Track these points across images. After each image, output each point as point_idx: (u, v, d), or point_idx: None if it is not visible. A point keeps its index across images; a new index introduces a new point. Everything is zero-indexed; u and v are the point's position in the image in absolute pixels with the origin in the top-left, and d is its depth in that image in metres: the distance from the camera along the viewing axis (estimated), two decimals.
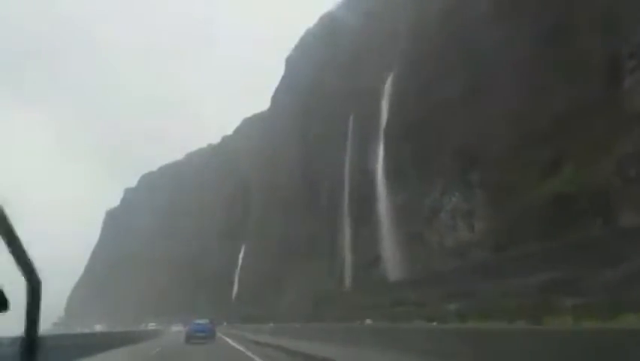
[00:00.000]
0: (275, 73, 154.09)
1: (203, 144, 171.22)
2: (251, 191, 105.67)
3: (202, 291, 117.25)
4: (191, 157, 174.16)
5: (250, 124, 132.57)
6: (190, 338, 31.52)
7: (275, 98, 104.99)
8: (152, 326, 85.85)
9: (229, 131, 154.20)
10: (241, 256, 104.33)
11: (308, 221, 69.60)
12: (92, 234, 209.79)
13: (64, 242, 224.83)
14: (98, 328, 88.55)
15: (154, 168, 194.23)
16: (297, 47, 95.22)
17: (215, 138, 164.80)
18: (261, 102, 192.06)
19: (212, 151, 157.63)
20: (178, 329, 75.48)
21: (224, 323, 72.36)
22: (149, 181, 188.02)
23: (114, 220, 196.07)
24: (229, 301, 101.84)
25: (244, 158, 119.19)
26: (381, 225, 42.40)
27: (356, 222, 51.91)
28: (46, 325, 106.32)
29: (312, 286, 65.18)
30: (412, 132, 37.93)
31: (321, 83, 72.92)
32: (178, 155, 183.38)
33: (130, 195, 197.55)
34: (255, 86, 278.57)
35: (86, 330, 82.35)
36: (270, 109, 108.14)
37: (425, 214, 35.75)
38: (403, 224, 38.42)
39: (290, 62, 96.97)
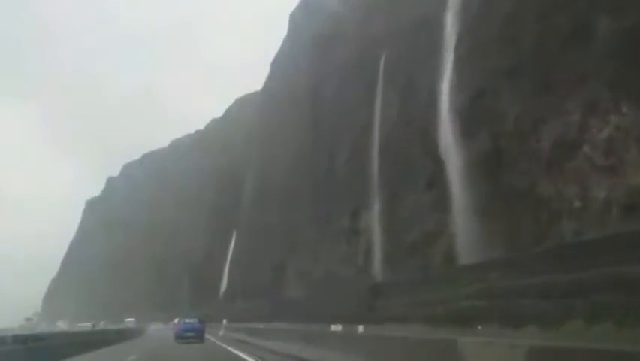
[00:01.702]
0: (271, 48, 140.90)
1: (191, 131, 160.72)
2: (243, 174, 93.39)
3: (187, 286, 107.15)
4: (176, 144, 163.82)
5: (243, 103, 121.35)
6: (178, 337, 31.82)
7: (275, 64, 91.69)
8: (129, 321, 75.38)
9: (218, 115, 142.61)
10: (232, 246, 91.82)
11: (316, 200, 57.28)
12: (72, 225, 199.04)
13: (43, 233, 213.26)
14: (60, 325, 78.72)
15: (138, 156, 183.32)
16: (303, 2, 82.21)
17: (203, 124, 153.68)
18: (254, 83, 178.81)
19: (199, 136, 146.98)
20: (157, 328, 65.70)
21: (224, 322, 54.79)
22: (132, 170, 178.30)
23: (95, 210, 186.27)
24: (217, 298, 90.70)
25: (236, 137, 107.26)
26: (449, 185, 29.38)
27: (391, 192, 39.18)
28: (19, 320, 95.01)
29: (318, 278, 53.06)
30: (509, 34, 25.34)
31: (337, 31, 60.21)
32: (164, 142, 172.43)
33: (112, 185, 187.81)
34: (249, 65, 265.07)
35: (50, 327, 72.97)
36: (269, 77, 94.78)
37: (543, 156, 23.01)
38: (490, 178, 25.67)
39: (294, 18, 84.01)
